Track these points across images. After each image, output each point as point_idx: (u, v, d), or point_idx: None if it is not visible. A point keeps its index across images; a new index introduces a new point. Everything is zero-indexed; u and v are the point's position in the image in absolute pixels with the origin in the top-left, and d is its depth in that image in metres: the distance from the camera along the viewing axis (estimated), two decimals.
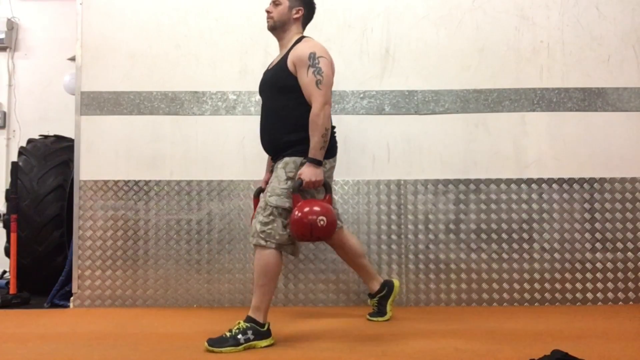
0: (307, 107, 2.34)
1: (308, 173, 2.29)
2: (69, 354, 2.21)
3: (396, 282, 2.84)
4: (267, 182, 2.61)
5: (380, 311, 2.80)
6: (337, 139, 3.18)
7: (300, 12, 2.52)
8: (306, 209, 2.23)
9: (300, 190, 2.30)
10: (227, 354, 2.19)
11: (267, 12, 2.52)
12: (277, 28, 2.51)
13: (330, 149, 2.43)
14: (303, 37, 2.51)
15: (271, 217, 2.31)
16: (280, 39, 2.54)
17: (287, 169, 2.35)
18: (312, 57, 2.33)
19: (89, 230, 3.25)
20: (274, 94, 2.46)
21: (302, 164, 2.34)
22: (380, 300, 2.80)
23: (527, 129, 3.25)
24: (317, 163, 2.30)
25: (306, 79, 2.33)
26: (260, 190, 2.64)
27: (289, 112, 2.39)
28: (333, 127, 2.49)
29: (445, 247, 3.20)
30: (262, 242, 2.30)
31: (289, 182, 2.34)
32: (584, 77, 3.26)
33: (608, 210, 3.19)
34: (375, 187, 3.24)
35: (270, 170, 2.56)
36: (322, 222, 2.22)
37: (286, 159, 2.37)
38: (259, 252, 2.32)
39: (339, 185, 3.23)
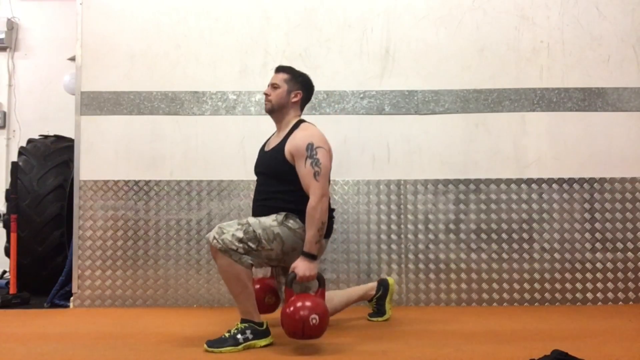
0: (303, 193, 2.31)
1: (302, 267, 2.23)
2: (69, 354, 2.21)
3: (391, 280, 2.83)
4: None
5: (379, 311, 2.80)
6: (337, 138, 3.21)
7: (298, 95, 2.49)
8: (298, 304, 2.14)
9: (293, 284, 2.24)
10: (226, 354, 2.19)
11: (265, 94, 2.50)
12: (275, 111, 2.49)
13: (327, 230, 2.38)
14: (301, 121, 2.49)
15: (238, 226, 2.25)
16: (277, 121, 2.52)
17: (279, 214, 2.33)
18: (310, 148, 2.31)
19: (89, 230, 3.25)
20: (270, 179, 2.45)
21: (284, 218, 2.32)
22: (378, 301, 2.80)
23: (527, 129, 3.25)
24: (312, 257, 2.26)
25: (304, 170, 2.31)
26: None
27: (282, 198, 2.37)
28: (332, 210, 2.47)
29: (445, 247, 3.20)
30: (213, 234, 2.23)
31: (275, 223, 2.30)
32: (584, 77, 3.26)
33: (608, 210, 3.19)
34: (375, 187, 3.24)
35: None
36: (314, 321, 2.12)
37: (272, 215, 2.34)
38: (220, 264, 2.25)
39: (339, 185, 3.23)
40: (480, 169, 3.23)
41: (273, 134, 2.58)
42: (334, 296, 2.65)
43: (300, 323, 2.12)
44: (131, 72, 3.31)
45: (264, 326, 2.30)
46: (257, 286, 2.52)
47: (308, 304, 2.15)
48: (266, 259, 2.34)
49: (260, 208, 2.44)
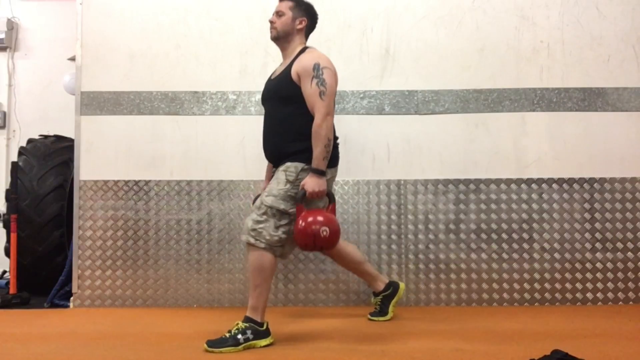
0: (310, 116, 2.34)
1: (311, 183, 2.28)
2: (69, 354, 2.21)
3: (402, 285, 2.84)
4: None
5: (382, 310, 2.80)
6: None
7: (303, 22, 2.52)
8: (309, 219, 2.24)
9: (303, 200, 2.30)
10: (226, 354, 2.19)
11: (271, 22, 2.52)
12: (280, 38, 2.51)
13: (333, 159, 2.42)
14: (306, 47, 2.51)
15: (264, 217, 2.31)
16: (283, 49, 2.54)
17: (288, 172, 2.35)
18: (317, 67, 2.34)
19: (89, 230, 3.25)
20: (278, 104, 2.46)
21: (303, 170, 2.34)
22: (384, 300, 2.81)
23: (527, 129, 3.25)
24: (320, 173, 2.30)
25: (310, 90, 2.33)
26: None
27: (292, 122, 2.39)
28: (336, 138, 2.49)
29: (445, 247, 3.20)
30: (252, 240, 2.30)
31: (288, 185, 2.33)
32: (584, 77, 3.26)
33: (608, 210, 3.19)
34: (375, 187, 3.24)
35: (270, 178, 2.55)
36: (325, 233, 2.22)
37: (288, 163, 2.37)
38: (252, 252, 2.32)
39: (339, 185, 3.23)
40: (480, 169, 3.23)
41: (279, 65, 2.59)
42: (349, 246, 2.77)
43: (312, 235, 2.21)
44: (131, 72, 3.31)
45: (265, 326, 2.30)
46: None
47: (319, 218, 2.25)
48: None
49: (269, 135, 2.47)
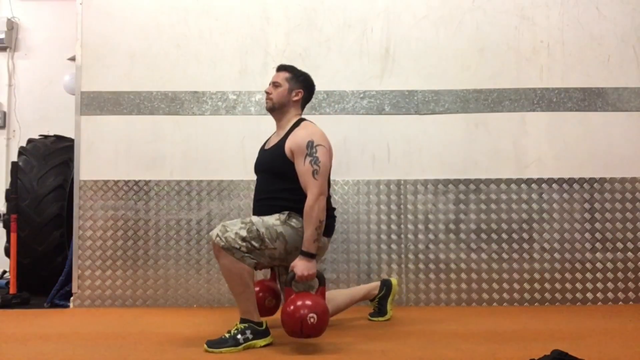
0: (302, 192, 2.31)
1: (301, 267, 2.23)
2: (69, 354, 2.21)
3: (394, 281, 2.83)
4: None
5: (380, 311, 2.80)
6: (337, 138, 3.21)
7: (300, 94, 2.50)
8: (297, 303, 2.15)
9: (292, 283, 2.25)
10: (226, 354, 2.19)
11: (267, 92, 2.50)
12: (276, 110, 2.49)
13: (327, 229, 2.40)
14: (302, 119, 2.49)
15: (242, 226, 2.26)
16: (278, 120, 2.52)
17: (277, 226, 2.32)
18: (310, 145, 2.31)
19: (89, 230, 3.25)
20: (270, 177, 2.45)
21: (287, 217, 2.33)
22: (381, 301, 2.80)
23: (527, 129, 3.25)
24: (310, 256, 2.25)
25: (303, 168, 2.31)
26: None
27: (282, 197, 2.37)
28: (334, 209, 2.49)
29: (445, 247, 3.20)
30: (217, 232, 2.23)
31: (277, 229, 2.30)
32: (584, 77, 3.26)
33: (608, 210, 3.19)
34: (375, 187, 3.24)
35: None
36: (312, 320, 2.13)
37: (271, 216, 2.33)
38: (223, 263, 2.25)
39: (339, 185, 3.23)
40: (480, 169, 3.23)
41: (273, 134, 2.58)
42: (337, 295, 2.66)
43: (299, 322, 2.13)
44: (131, 72, 3.31)
45: (264, 326, 2.30)
46: (257, 288, 2.52)
47: (307, 302, 2.16)
48: (269, 258, 2.34)
49: (261, 207, 2.44)
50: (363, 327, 2.65)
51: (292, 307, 2.15)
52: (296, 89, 2.49)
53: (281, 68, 2.55)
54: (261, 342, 2.27)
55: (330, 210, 2.43)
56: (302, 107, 2.56)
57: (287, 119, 2.49)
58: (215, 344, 2.23)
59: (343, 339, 2.42)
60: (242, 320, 2.29)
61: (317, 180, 2.28)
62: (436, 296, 3.18)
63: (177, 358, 2.14)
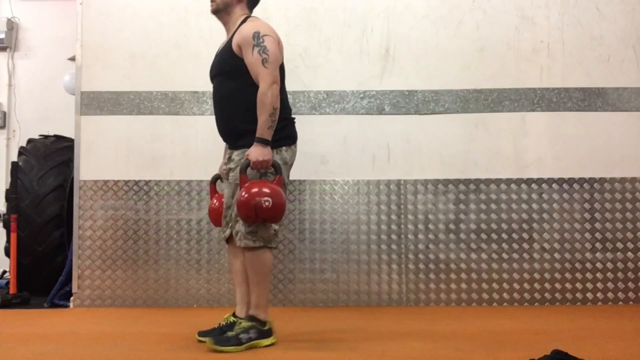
0: (257, 88, 2.26)
1: (255, 153, 2.20)
2: (69, 354, 2.21)
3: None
4: (222, 169, 2.51)
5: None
6: (337, 138, 3.20)
7: None
8: (253, 190, 2.15)
9: (246, 171, 2.22)
10: (228, 353, 2.19)
11: None
12: (220, 11, 2.43)
13: (288, 137, 2.36)
14: (248, 17, 2.43)
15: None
16: (225, 22, 2.46)
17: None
18: (256, 36, 2.27)
19: (89, 230, 3.25)
20: (224, 79, 2.39)
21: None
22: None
23: (527, 129, 3.25)
24: (265, 142, 2.21)
25: (252, 59, 2.26)
26: (217, 177, 2.60)
27: (239, 96, 2.32)
28: (293, 118, 2.43)
29: (445, 247, 3.20)
30: (251, 244, 2.25)
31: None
32: (584, 77, 3.26)
33: (608, 210, 3.19)
34: (375, 187, 3.24)
35: (228, 157, 2.43)
36: (267, 203, 2.12)
37: (245, 149, 2.27)
38: (249, 252, 2.28)
39: (338, 185, 3.23)
40: (480, 169, 3.23)
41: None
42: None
43: (253, 207, 2.13)
44: (131, 72, 3.31)
45: (267, 326, 2.29)
46: (216, 200, 2.57)
47: (262, 188, 2.16)
48: None
49: (219, 113, 2.41)
50: (363, 328, 2.65)
51: (245, 194, 2.15)
52: None
53: None
54: (264, 342, 2.26)
55: (286, 113, 2.36)
56: (250, 9, 2.48)
57: (234, 20, 2.42)
58: (220, 341, 2.21)
59: (343, 339, 2.42)
60: (249, 318, 2.28)
61: (267, 68, 2.24)
62: (436, 296, 3.18)
63: (177, 358, 2.14)
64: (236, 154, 2.33)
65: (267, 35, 2.29)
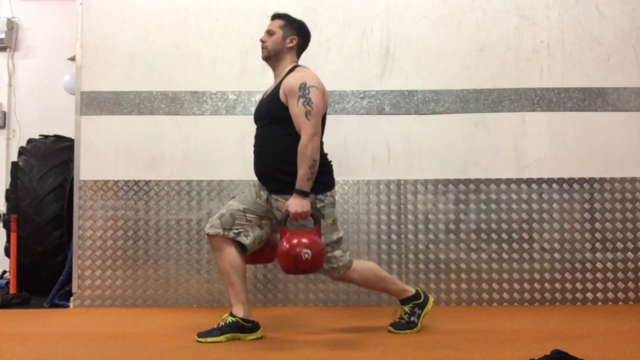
0: (299, 138, 2.31)
1: (294, 204, 2.25)
2: (69, 354, 2.21)
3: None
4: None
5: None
6: (338, 138, 3.20)
7: (294, 41, 2.48)
8: (293, 241, 2.18)
9: (286, 222, 2.26)
10: (226, 353, 2.19)
11: (262, 41, 2.50)
12: (271, 58, 2.49)
13: (329, 183, 2.42)
14: (297, 66, 2.49)
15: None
16: (274, 68, 2.52)
17: None
18: (303, 87, 2.31)
19: (89, 230, 3.25)
20: (268, 125, 2.45)
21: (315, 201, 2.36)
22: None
23: (527, 129, 3.25)
24: (304, 194, 2.26)
25: (296, 110, 2.31)
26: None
27: (281, 143, 2.37)
28: (330, 161, 2.49)
29: (445, 247, 3.20)
30: (338, 274, 2.47)
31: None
32: (584, 77, 3.26)
33: (608, 210, 3.19)
34: (375, 187, 3.24)
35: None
36: (306, 255, 2.15)
37: (287, 196, 2.31)
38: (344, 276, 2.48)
39: (339, 185, 3.23)
40: (480, 169, 3.23)
41: (272, 84, 2.57)
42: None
43: (293, 258, 2.15)
44: (131, 72, 3.31)
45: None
46: None
47: (301, 239, 2.19)
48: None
49: (259, 155, 2.47)
50: (363, 327, 2.65)
51: (286, 244, 2.18)
52: (290, 35, 2.48)
53: (275, 16, 2.53)
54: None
55: (324, 158, 2.42)
56: (298, 55, 2.54)
57: (283, 67, 2.48)
58: (399, 326, 2.52)
59: (343, 339, 2.42)
60: (404, 302, 2.55)
61: (310, 120, 2.29)
62: (436, 296, 3.17)
63: (177, 358, 2.14)
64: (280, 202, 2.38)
65: (313, 87, 2.34)
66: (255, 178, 2.52)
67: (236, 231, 2.40)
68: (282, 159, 2.36)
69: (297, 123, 2.32)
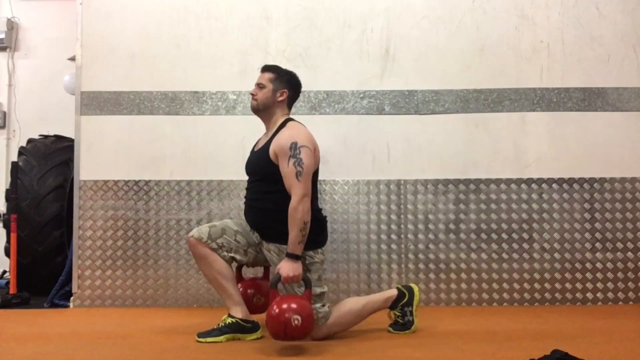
0: (288, 195, 2.29)
1: (286, 268, 2.22)
2: (69, 354, 2.21)
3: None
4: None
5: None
6: (337, 138, 3.20)
7: (284, 94, 2.46)
8: (283, 306, 2.14)
9: (277, 285, 2.23)
10: (227, 353, 2.19)
11: (252, 94, 2.49)
12: (260, 111, 2.48)
13: (320, 240, 2.41)
14: (288, 119, 2.47)
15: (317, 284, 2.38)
16: (265, 121, 2.50)
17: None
18: (294, 147, 2.29)
19: (89, 230, 3.25)
20: (257, 180, 2.46)
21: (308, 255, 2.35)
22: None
23: (527, 129, 3.25)
24: (296, 258, 2.25)
25: (286, 170, 2.29)
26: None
27: (271, 200, 2.37)
28: (325, 217, 2.48)
29: (445, 247, 3.20)
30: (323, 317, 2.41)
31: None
32: (584, 77, 3.26)
33: (608, 210, 3.19)
34: (375, 187, 3.24)
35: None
36: (296, 322, 2.10)
37: (284, 246, 2.30)
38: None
39: (338, 185, 3.23)
40: (480, 169, 3.23)
41: (263, 134, 2.56)
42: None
43: (283, 324, 2.11)
44: (131, 72, 3.31)
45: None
46: (245, 286, 2.55)
47: (291, 305, 2.15)
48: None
49: (249, 208, 2.48)
50: (362, 327, 2.65)
51: (276, 309, 2.14)
52: (280, 89, 2.46)
53: (265, 69, 2.52)
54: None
55: (317, 213, 2.40)
56: (289, 107, 2.53)
57: (274, 120, 2.47)
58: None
59: (343, 339, 2.42)
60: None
61: (300, 182, 2.26)
62: (436, 296, 3.18)
63: (177, 358, 2.14)
64: (274, 251, 2.39)
65: (304, 147, 2.31)
66: None
67: (220, 244, 2.36)
68: (273, 215, 2.36)
69: (287, 183, 2.30)
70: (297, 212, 2.24)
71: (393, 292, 2.54)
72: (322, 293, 2.39)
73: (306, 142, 2.33)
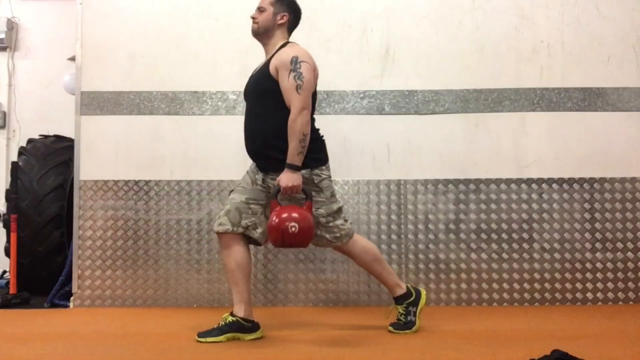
0: (288, 112, 2.31)
1: (285, 179, 2.26)
2: (69, 354, 2.21)
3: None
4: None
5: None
6: (337, 138, 3.20)
7: (285, 17, 2.48)
8: (283, 215, 2.21)
9: (277, 196, 2.28)
10: (226, 353, 2.19)
11: (252, 17, 2.50)
12: (260, 34, 2.49)
13: (322, 158, 2.43)
14: (288, 42, 2.49)
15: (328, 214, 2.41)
16: (264, 44, 2.52)
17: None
18: (294, 61, 2.32)
19: (89, 230, 3.25)
20: (257, 99, 2.45)
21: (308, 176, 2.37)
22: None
23: (527, 129, 3.25)
24: (295, 168, 2.27)
25: (286, 83, 2.31)
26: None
27: (270, 117, 2.37)
28: (322, 136, 2.48)
29: (445, 247, 3.20)
30: (340, 243, 2.48)
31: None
32: (584, 77, 3.26)
33: (608, 210, 3.19)
34: (375, 187, 3.24)
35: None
36: (293, 229, 2.18)
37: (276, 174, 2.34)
38: (349, 249, 2.50)
39: (339, 185, 3.23)
40: (480, 169, 3.23)
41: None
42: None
43: (280, 231, 2.18)
44: (131, 72, 3.31)
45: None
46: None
47: (290, 213, 2.21)
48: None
49: (249, 132, 2.48)
50: (363, 328, 2.65)
51: (275, 219, 2.21)
52: (281, 12, 2.48)
53: None
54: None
55: (315, 133, 2.43)
56: (290, 32, 2.54)
57: (274, 43, 2.48)
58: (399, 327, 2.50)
59: (343, 339, 2.42)
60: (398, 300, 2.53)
61: (300, 94, 2.29)
62: (436, 296, 3.18)
63: (177, 358, 2.14)
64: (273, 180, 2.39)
65: (305, 62, 2.34)
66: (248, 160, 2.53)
67: (245, 225, 2.41)
68: (272, 134, 2.36)
69: (287, 97, 2.32)
70: (296, 123, 2.27)
71: (403, 285, 2.57)
72: (340, 208, 2.44)
73: (306, 59, 2.36)
